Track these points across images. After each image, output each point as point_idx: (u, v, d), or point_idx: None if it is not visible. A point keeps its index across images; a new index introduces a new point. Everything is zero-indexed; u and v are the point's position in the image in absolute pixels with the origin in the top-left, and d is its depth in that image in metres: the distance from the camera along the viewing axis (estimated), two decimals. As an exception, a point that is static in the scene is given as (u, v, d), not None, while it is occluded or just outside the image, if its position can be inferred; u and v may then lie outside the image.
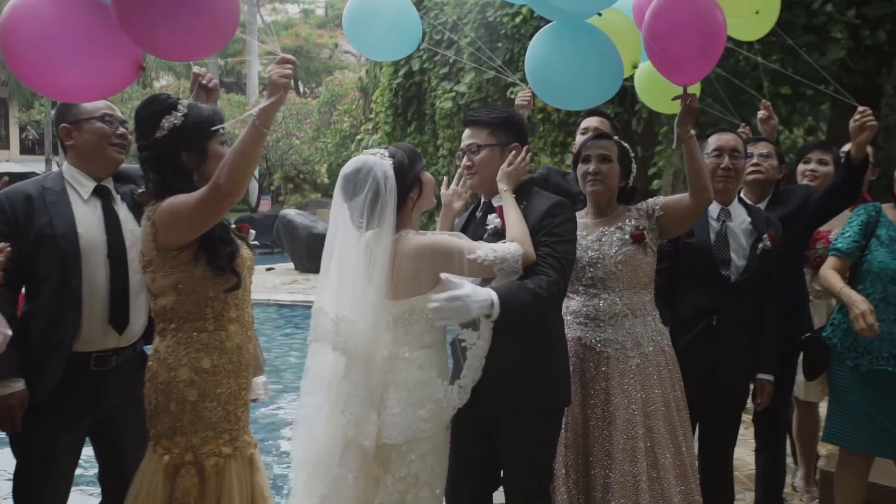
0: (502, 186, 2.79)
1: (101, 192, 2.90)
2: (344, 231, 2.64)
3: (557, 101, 3.76)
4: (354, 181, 2.60)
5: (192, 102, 2.62)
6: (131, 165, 3.09)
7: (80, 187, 2.87)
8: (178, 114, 2.53)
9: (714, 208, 3.40)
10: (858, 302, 3.20)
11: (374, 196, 2.56)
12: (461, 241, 2.63)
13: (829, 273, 3.41)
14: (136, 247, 2.88)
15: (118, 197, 2.96)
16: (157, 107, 2.55)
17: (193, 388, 2.49)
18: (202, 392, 2.50)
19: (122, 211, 2.94)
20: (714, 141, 3.47)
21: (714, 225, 3.43)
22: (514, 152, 2.84)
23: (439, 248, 2.58)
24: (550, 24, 3.53)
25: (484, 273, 2.57)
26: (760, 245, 3.37)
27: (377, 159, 2.62)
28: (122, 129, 2.94)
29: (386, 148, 2.70)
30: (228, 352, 2.56)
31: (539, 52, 3.54)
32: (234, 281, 2.57)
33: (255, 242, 2.84)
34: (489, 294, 2.50)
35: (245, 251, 2.68)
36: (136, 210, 2.98)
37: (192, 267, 2.50)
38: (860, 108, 3.42)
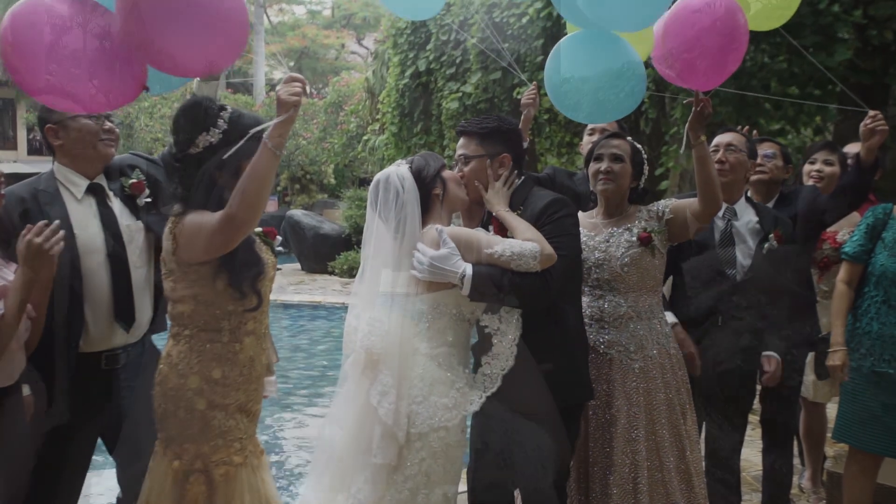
0: (494, 209, 2.81)
1: (94, 190, 2.89)
2: (376, 237, 2.74)
3: (577, 115, 3.65)
4: (377, 190, 2.77)
5: (237, 112, 2.50)
6: (118, 156, 3.05)
7: (72, 187, 2.86)
8: (217, 130, 2.43)
9: None
10: (835, 357, 3.43)
11: (394, 198, 2.72)
12: (481, 234, 2.70)
13: (839, 297, 3.49)
14: (134, 242, 2.88)
15: (111, 193, 2.95)
16: (196, 119, 2.44)
17: (202, 397, 2.46)
18: (210, 402, 2.47)
19: (117, 206, 2.93)
20: (714, 140, 3.47)
21: (719, 224, 3.42)
22: (499, 171, 2.85)
23: (462, 239, 2.66)
24: (571, 36, 3.47)
25: (501, 266, 2.61)
26: (766, 244, 3.36)
27: (394, 167, 2.82)
28: (108, 124, 2.90)
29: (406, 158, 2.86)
30: (240, 364, 2.52)
31: (561, 66, 3.43)
32: (256, 302, 2.51)
33: (281, 248, 2.78)
34: (465, 268, 2.59)
35: (269, 256, 2.63)
36: (130, 203, 2.97)
37: (212, 282, 2.44)
38: (871, 113, 3.41)
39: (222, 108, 2.49)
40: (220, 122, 2.45)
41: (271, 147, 2.25)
